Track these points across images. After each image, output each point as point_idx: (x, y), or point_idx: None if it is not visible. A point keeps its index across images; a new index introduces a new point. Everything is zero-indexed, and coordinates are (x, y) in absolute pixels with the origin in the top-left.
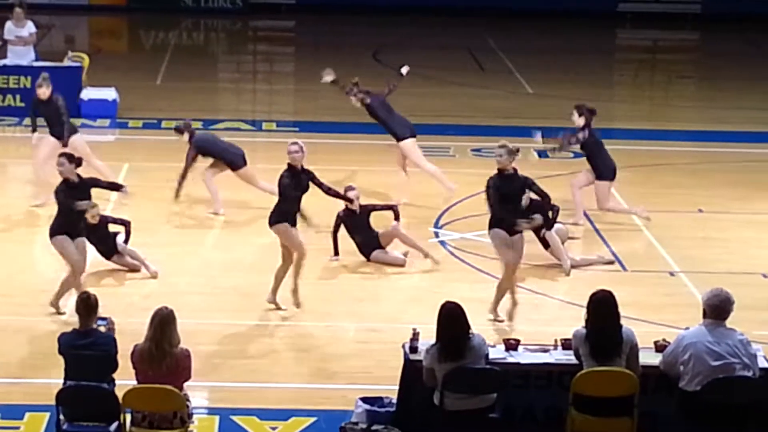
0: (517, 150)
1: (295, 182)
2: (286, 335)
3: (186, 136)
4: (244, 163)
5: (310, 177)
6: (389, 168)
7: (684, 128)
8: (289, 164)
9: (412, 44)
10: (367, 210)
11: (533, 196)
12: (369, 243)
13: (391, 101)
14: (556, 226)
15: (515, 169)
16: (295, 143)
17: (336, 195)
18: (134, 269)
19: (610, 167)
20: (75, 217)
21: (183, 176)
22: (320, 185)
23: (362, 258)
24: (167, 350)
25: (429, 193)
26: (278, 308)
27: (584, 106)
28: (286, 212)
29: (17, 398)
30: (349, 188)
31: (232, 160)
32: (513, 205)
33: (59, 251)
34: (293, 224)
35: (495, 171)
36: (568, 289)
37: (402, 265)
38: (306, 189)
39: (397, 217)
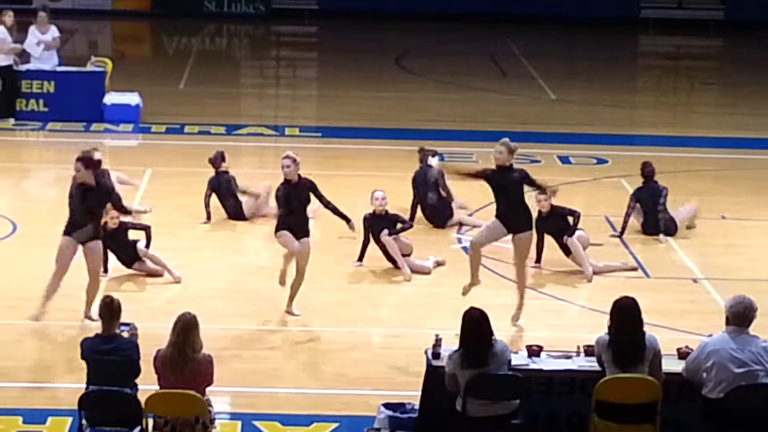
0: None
1: (288, 194)
2: (309, 340)
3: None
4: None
5: (311, 188)
6: (410, 174)
7: (707, 135)
8: (284, 177)
9: (435, 50)
10: (393, 219)
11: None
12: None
13: (415, 107)
14: (577, 232)
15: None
16: (287, 157)
17: (334, 211)
18: (156, 275)
19: (652, 227)
20: (82, 220)
21: (207, 197)
22: (320, 198)
23: (385, 264)
24: (190, 355)
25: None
26: (291, 314)
27: (644, 166)
28: (283, 222)
29: (40, 402)
30: (377, 191)
31: (231, 214)
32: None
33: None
34: (297, 233)
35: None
36: (591, 296)
37: (428, 273)
38: (305, 200)
39: (398, 230)
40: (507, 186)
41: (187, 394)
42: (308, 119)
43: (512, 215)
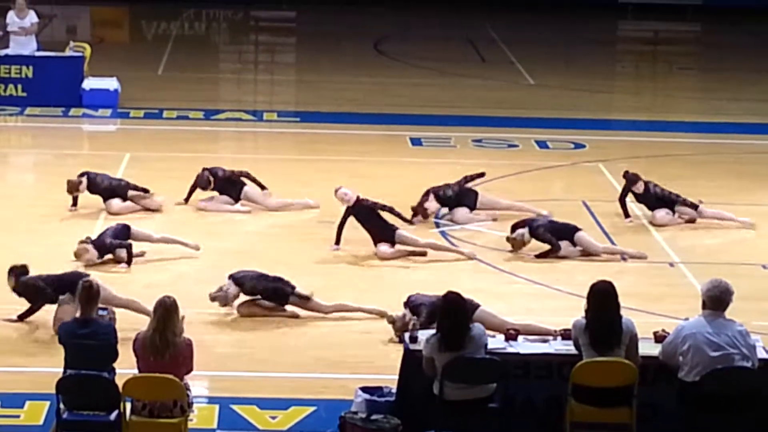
0: None
1: None
2: (287, 324)
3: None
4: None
5: None
6: (389, 158)
7: (685, 119)
8: None
9: (414, 35)
10: (373, 207)
11: None
12: (382, 233)
13: (394, 92)
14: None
15: None
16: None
17: None
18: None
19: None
20: None
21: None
22: None
23: (363, 247)
24: (171, 340)
25: (428, 185)
26: None
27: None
28: None
29: (18, 387)
30: (339, 189)
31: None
32: None
33: None
34: None
35: None
36: (568, 280)
37: (424, 255)
38: None
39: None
40: None
41: (165, 378)
42: (287, 104)
43: None
